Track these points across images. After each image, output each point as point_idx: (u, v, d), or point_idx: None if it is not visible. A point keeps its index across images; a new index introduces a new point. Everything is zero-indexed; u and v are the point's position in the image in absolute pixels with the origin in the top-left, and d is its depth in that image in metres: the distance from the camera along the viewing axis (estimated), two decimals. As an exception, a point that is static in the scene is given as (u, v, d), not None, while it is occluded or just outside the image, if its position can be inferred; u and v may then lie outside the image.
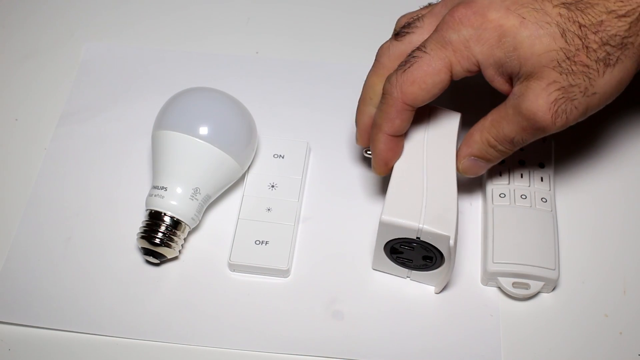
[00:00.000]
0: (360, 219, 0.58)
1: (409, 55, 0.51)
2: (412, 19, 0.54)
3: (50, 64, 0.68)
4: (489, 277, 0.54)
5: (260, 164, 0.60)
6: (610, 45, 0.47)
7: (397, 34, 0.54)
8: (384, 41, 0.55)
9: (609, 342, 0.53)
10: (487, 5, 0.48)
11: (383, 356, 0.53)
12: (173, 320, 0.54)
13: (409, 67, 0.50)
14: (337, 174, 0.61)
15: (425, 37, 0.51)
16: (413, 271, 0.54)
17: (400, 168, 0.53)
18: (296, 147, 0.60)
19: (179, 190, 0.55)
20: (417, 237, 0.51)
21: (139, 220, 0.56)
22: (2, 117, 0.64)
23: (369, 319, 0.54)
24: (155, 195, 0.55)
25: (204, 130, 0.55)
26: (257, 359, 0.53)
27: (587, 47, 0.47)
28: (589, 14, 0.47)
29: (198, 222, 0.56)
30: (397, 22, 0.56)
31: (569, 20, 0.47)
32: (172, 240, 0.54)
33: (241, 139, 0.57)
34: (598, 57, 0.47)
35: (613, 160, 0.61)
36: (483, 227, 0.57)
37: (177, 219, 0.54)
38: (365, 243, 0.57)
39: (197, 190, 0.55)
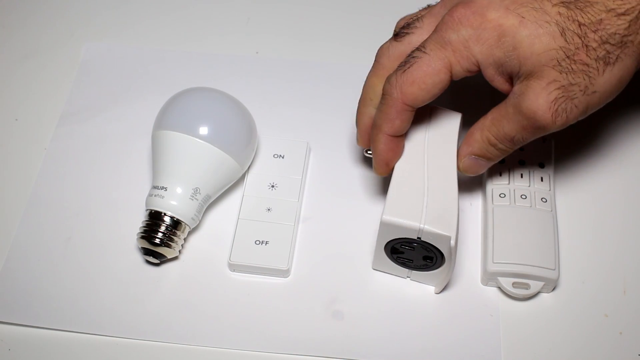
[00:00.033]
0: (360, 219, 0.58)
1: (409, 55, 0.51)
2: (411, 20, 0.54)
3: (50, 64, 0.68)
4: (489, 277, 0.54)
5: (260, 164, 0.60)
6: (610, 43, 0.47)
7: (397, 35, 0.54)
8: (384, 41, 0.55)
9: (609, 342, 0.53)
10: (486, 5, 0.48)
11: (383, 356, 0.53)
12: (173, 320, 0.54)
13: (409, 68, 0.50)
14: (337, 174, 0.61)
15: (425, 37, 0.51)
16: (413, 271, 0.54)
17: (401, 168, 0.53)
18: (296, 147, 0.60)
19: (179, 190, 0.55)
20: (418, 237, 0.51)
21: (139, 220, 0.56)
22: (2, 117, 0.64)
23: (369, 319, 0.54)
24: (155, 195, 0.55)
25: (204, 130, 0.55)
26: (257, 359, 0.53)
27: (586, 46, 0.47)
28: (589, 12, 0.47)
29: (198, 222, 0.56)
30: (396, 24, 0.56)
31: (569, 19, 0.47)
32: (172, 240, 0.54)
33: (241, 139, 0.57)
34: (598, 56, 0.47)
35: (613, 160, 0.61)
36: (483, 227, 0.57)
37: (177, 219, 0.54)
38: (365, 243, 0.57)
39: (197, 190, 0.55)
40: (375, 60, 0.55)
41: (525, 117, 0.49)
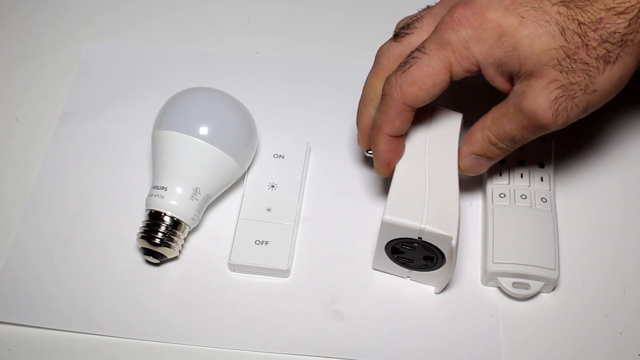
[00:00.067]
0: (360, 218, 0.58)
1: (408, 56, 0.51)
2: (410, 20, 0.54)
3: (50, 64, 0.68)
4: (489, 277, 0.54)
5: (260, 164, 0.60)
6: (610, 42, 0.47)
7: (396, 35, 0.54)
8: (384, 41, 0.55)
9: (609, 342, 0.53)
10: (486, 5, 0.48)
11: (383, 356, 0.53)
12: (173, 320, 0.54)
13: (409, 68, 0.50)
14: (337, 174, 0.61)
15: (424, 37, 0.51)
16: (413, 271, 0.54)
17: (402, 168, 0.53)
18: (296, 147, 0.60)
19: (179, 190, 0.55)
20: (419, 237, 0.51)
21: (139, 220, 0.56)
22: (2, 117, 0.64)
23: (369, 319, 0.54)
24: (155, 195, 0.55)
25: (204, 130, 0.55)
26: (257, 359, 0.53)
27: (586, 45, 0.47)
28: (588, 11, 0.47)
29: (198, 222, 0.56)
30: (396, 25, 0.56)
31: (568, 18, 0.47)
32: (172, 240, 0.54)
33: (241, 139, 0.57)
34: (598, 55, 0.47)
35: (613, 160, 0.61)
36: (483, 227, 0.57)
37: (177, 219, 0.54)
38: (365, 243, 0.57)
39: (197, 190, 0.55)
40: (375, 60, 0.55)
41: (526, 117, 0.49)
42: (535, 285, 0.54)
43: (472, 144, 0.52)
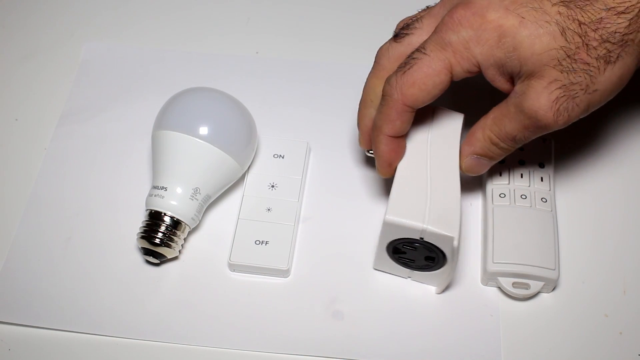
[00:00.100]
0: (360, 218, 0.58)
1: (409, 56, 0.51)
2: (410, 21, 0.54)
3: (50, 64, 0.68)
4: (489, 277, 0.54)
5: (260, 164, 0.60)
6: (610, 42, 0.47)
7: (396, 36, 0.54)
8: (384, 41, 0.55)
9: (609, 342, 0.53)
10: (486, 5, 0.48)
11: (383, 356, 0.53)
12: (173, 320, 0.54)
13: (409, 69, 0.50)
14: (337, 174, 0.61)
15: (425, 38, 0.51)
16: (414, 271, 0.54)
17: (403, 168, 0.53)
18: (296, 147, 0.60)
19: (179, 190, 0.55)
20: (421, 238, 0.51)
21: (139, 220, 0.56)
22: (2, 117, 0.64)
23: (369, 319, 0.54)
24: (155, 195, 0.55)
25: (204, 130, 0.55)
26: (257, 359, 0.53)
27: (587, 45, 0.47)
28: (588, 11, 0.47)
29: (198, 222, 0.56)
30: (396, 26, 0.56)
31: (569, 18, 0.47)
32: (172, 240, 0.54)
33: (241, 139, 0.57)
34: (598, 55, 0.47)
35: (613, 160, 0.61)
36: (483, 227, 0.57)
37: (177, 219, 0.54)
38: (365, 243, 0.57)
39: (197, 190, 0.55)
40: (375, 61, 0.55)
41: (527, 117, 0.49)
42: (535, 285, 0.54)
43: (473, 144, 0.52)
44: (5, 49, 0.69)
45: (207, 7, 0.71)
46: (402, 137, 0.53)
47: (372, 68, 0.55)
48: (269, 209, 0.57)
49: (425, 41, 0.50)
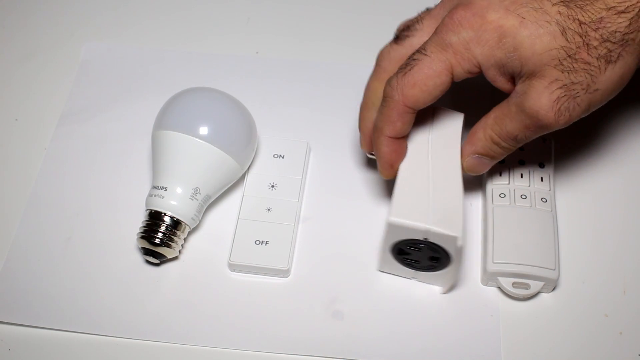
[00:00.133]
0: (360, 218, 0.58)
1: (409, 58, 0.51)
2: (411, 22, 0.54)
3: (50, 64, 0.68)
4: (489, 277, 0.54)
5: (260, 164, 0.60)
6: (610, 42, 0.47)
7: (397, 38, 0.54)
8: (384, 41, 0.55)
9: (609, 342, 0.53)
10: (486, 6, 0.48)
11: (383, 356, 0.53)
12: (173, 320, 0.54)
13: (410, 70, 0.50)
14: (337, 174, 0.61)
15: (425, 39, 0.51)
16: (419, 272, 0.54)
17: (405, 169, 0.53)
18: (296, 147, 0.60)
19: (179, 190, 0.55)
20: (425, 238, 0.51)
21: (139, 220, 0.56)
22: (2, 117, 0.64)
23: (368, 319, 0.54)
24: (155, 195, 0.55)
25: (204, 130, 0.55)
26: (257, 359, 0.53)
27: (587, 45, 0.47)
28: (589, 11, 0.47)
29: (198, 222, 0.56)
30: (397, 28, 0.56)
31: (569, 18, 0.47)
32: (172, 240, 0.54)
33: (241, 139, 0.57)
34: (599, 54, 0.47)
35: (613, 160, 0.61)
36: (483, 227, 0.57)
37: (177, 219, 0.54)
38: (365, 243, 0.57)
39: (197, 190, 0.55)
40: (376, 64, 0.55)
41: (528, 117, 0.49)
42: (535, 285, 0.54)
43: (474, 144, 0.52)
44: (5, 49, 0.69)
45: (207, 7, 0.71)
46: (403, 138, 0.53)
47: (373, 71, 0.55)
48: (269, 209, 0.57)
49: (426, 42, 0.50)
